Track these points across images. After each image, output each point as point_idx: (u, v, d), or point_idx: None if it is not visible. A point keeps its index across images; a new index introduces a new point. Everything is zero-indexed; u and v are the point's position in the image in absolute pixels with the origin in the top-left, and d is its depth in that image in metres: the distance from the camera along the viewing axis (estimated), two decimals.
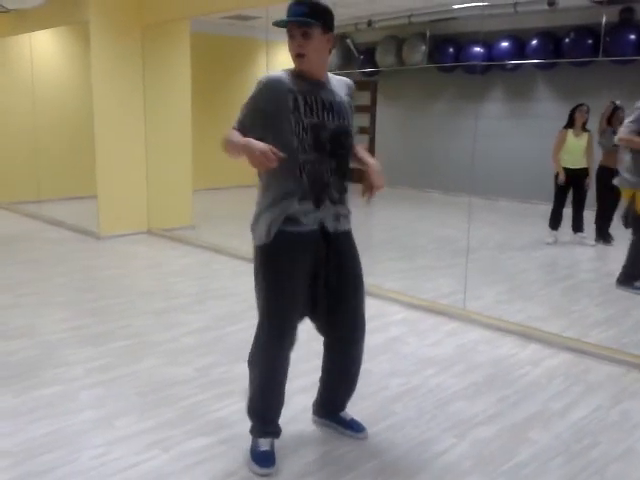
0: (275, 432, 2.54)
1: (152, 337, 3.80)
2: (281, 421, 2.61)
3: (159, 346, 3.65)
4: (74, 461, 2.45)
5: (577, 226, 6.55)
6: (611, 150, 6.39)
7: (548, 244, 6.55)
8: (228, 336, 3.85)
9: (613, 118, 6.45)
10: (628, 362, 3.49)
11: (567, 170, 6.44)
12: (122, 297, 4.60)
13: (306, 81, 2.33)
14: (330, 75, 2.44)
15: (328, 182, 2.35)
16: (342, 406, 2.75)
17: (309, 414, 2.85)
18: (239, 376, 3.24)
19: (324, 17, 2.27)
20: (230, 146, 2.33)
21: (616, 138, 4.56)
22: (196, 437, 2.65)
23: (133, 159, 6.80)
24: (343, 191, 2.42)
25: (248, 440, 2.58)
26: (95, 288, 4.84)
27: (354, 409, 2.90)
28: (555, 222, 6.64)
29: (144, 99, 6.78)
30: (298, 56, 2.29)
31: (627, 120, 4.48)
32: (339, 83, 2.45)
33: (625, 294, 4.81)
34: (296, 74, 2.34)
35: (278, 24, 2.28)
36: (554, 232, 6.63)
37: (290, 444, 2.62)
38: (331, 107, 2.34)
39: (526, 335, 3.90)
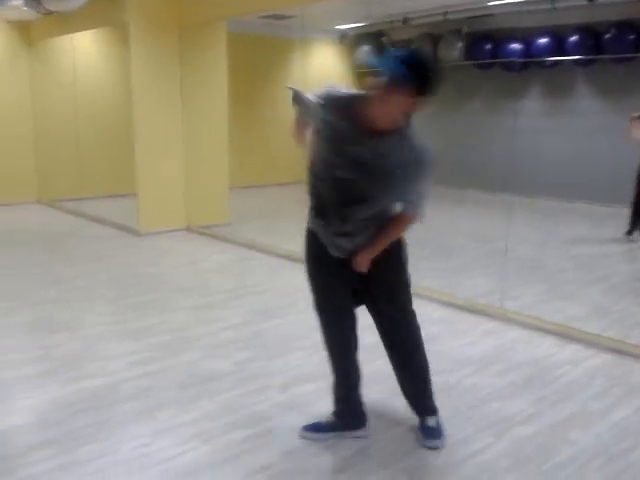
0: (335, 412, 2.68)
1: (191, 332, 3.86)
2: (315, 415, 2.71)
3: (198, 341, 3.72)
4: (116, 451, 2.52)
5: None
6: None
7: None
8: (265, 331, 3.89)
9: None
10: None
11: None
12: (161, 293, 4.69)
13: (368, 125, 2.22)
14: (405, 134, 2.26)
15: (326, 205, 2.39)
16: (416, 407, 2.72)
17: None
18: (276, 371, 3.29)
19: (420, 79, 2.13)
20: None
21: None
22: (234, 430, 2.69)
23: (171, 157, 6.91)
24: (353, 232, 2.38)
25: (285, 433, 2.63)
26: (135, 284, 4.94)
27: (389, 407, 2.92)
28: None
29: (182, 98, 6.89)
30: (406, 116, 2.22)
31: None
32: (408, 150, 2.25)
33: None
34: (363, 113, 2.21)
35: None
36: None
37: (326, 439, 2.64)
38: (373, 160, 2.24)
39: (565, 335, 3.84)
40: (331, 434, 2.65)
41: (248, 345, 3.65)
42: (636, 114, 6.34)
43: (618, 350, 3.61)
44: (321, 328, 2.62)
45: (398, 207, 2.41)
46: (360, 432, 2.66)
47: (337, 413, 2.68)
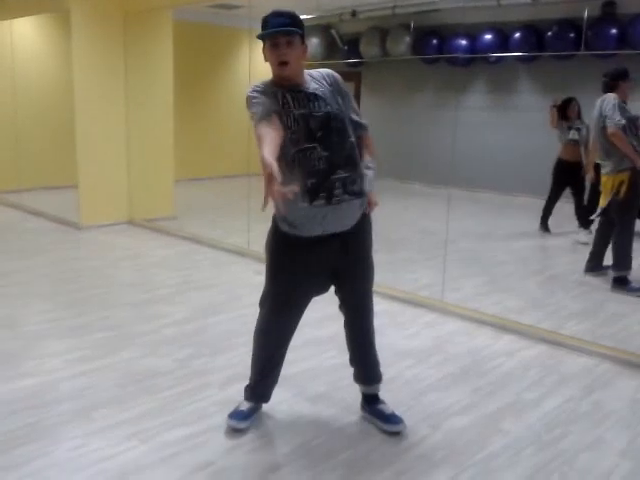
0: (255, 395, 2.76)
1: (132, 328, 3.81)
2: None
3: (139, 337, 3.67)
4: (51, 453, 2.47)
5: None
6: (568, 143, 6.55)
7: (584, 244, 6.21)
8: (209, 327, 3.87)
9: (569, 111, 6.57)
10: (601, 354, 3.57)
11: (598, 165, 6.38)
12: (102, 288, 4.60)
13: (287, 85, 2.41)
14: (307, 74, 2.50)
15: (320, 171, 2.36)
16: (371, 374, 2.80)
17: (284, 406, 2.90)
18: (219, 367, 3.28)
19: (302, 28, 2.40)
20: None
21: (609, 128, 4.55)
22: (175, 428, 2.68)
23: (114, 149, 6.76)
24: (348, 182, 2.42)
25: (224, 431, 2.65)
26: (76, 279, 4.83)
27: (329, 401, 2.95)
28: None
29: (125, 88, 6.74)
30: (282, 64, 2.35)
31: (613, 116, 4.52)
32: (318, 76, 2.51)
33: (597, 285, 4.90)
34: (276, 82, 2.42)
35: (264, 35, 2.34)
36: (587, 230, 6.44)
37: (266, 435, 2.66)
38: (315, 97, 2.41)
39: (502, 327, 3.96)
40: (252, 419, 2.71)
41: (190, 342, 3.63)
42: (554, 103, 6.61)
43: (552, 341, 3.75)
44: (266, 320, 2.65)
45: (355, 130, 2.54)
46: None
47: (256, 392, 2.76)
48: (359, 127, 2.55)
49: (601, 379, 3.29)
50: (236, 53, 10.73)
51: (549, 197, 6.80)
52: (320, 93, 2.43)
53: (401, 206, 8.30)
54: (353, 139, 2.48)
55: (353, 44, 10.39)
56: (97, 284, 4.70)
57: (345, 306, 2.71)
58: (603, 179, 4.78)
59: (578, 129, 6.60)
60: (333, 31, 10.80)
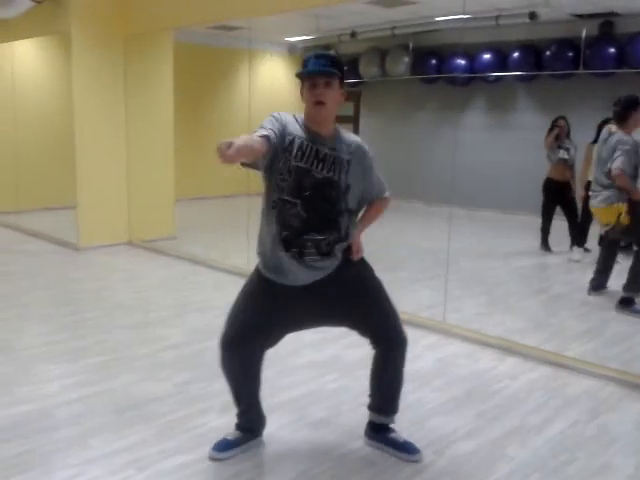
0: (242, 427, 2.68)
1: (130, 352, 3.76)
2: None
3: (137, 361, 3.61)
4: None
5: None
6: (558, 163, 6.60)
7: (577, 262, 6.37)
8: (208, 350, 3.81)
9: (559, 132, 6.61)
10: (606, 376, 3.51)
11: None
12: (100, 310, 4.55)
13: (311, 131, 2.38)
14: (343, 132, 2.47)
15: (294, 228, 2.36)
16: (378, 409, 2.72)
17: (285, 431, 2.84)
18: (219, 392, 3.20)
19: (342, 71, 2.37)
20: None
21: (614, 172, 4.58)
22: (173, 455, 2.62)
23: (114, 169, 6.75)
24: (323, 245, 2.40)
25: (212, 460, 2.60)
26: (73, 301, 4.79)
27: (331, 426, 2.90)
28: (584, 236, 6.53)
29: (126, 109, 6.75)
30: (318, 103, 2.33)
31: (619, 163, 4.54)
32: (350, 142, 2.45)
33: (599, 305, 4.86)
34: (305, 122, 2.40)
35: (304, 74, 2.32)
36: (580, 248, 6.52)
37: (267, 462, 2.60)
38: (324, 158, 2.37)
39: (505, 348, 3.91)
40: (238, 449, 2.64)
41: (189, 365, 3.57)
42: (550, 138, 6.68)
43: (555, 363, 3.69)
44: (228, 363, 2.55)
45: (370, 196, 2.55)
46: (259, 440, 2.72)
47: (242, 425, 2.69)
48: (372, 195, 2.54)
49: (607, 402, 3.23)
50: (236, 74, 10.77)
51: (542, 216, 6.84)
52: (330, 157, 2.38)
53: (401, 225, 8.26)
54: (349, 208, 2.44)
55: (352, 64, 10.44)
56: (94, 306, 4.65)
57: (371, 342, 2.62)
58: (604, 208, 4.75)
59: (567, 149, 6.63)
60: (332, 51, 10.86)
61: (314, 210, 2.37)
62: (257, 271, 2.52)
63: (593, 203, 4.88)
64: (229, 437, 2.67)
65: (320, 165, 2.36)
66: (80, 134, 6.42)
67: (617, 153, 4.60)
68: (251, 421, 2.70)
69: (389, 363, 2.62)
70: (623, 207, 4.63)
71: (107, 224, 6.75)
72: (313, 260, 2.39)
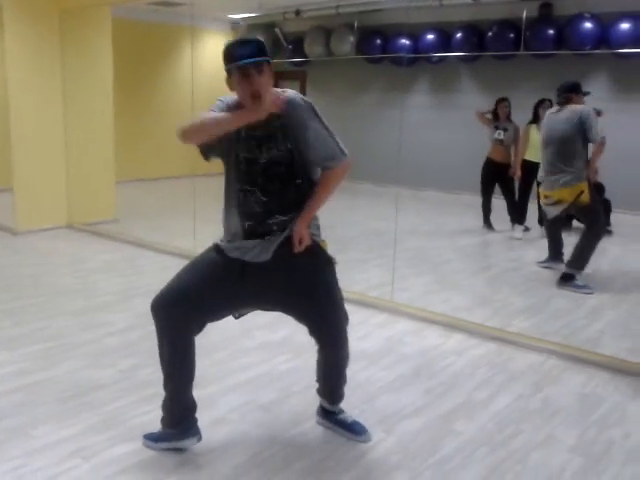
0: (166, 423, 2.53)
1: (72, 339, 3.64)
2: (209, 421, 2.64)
3: (80, 348, 3.51)
4: None
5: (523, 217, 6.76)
6: (495, 144, 6.84)
7: (518, 239, 6.56)
8: (153, 335, 3.70)
9: (499, 111, 6.76)
10: (548, 350, 3.62)
11: (529, 163, 6.53)
12: (40, 296, 4.39)
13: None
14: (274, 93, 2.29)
15: (257, 214, 2.33)
16: (323, 397, 2.72)
17: (237, 414, 2.82)
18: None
19: (267, 53, 2.25)
20: (209, 123, 2.26)
21: (600, 144, 4.73)
22: (119, 444, 2.56)
23: (51, 150, 6.50)
24: (287, 224, 2.35)
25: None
26: (11, 287, 4.60)
27: (282, 407, 2.89)
28: (524, 215, 6.72)
29: (63, 87, 6.48)
30: (256, 96, 2.20)
31: (597, 130, 4.65)
32: (285, 107, 2.28)
33: (542, 281, 5.00)
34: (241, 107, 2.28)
35: (234, 67, 2.19)
36: (521, 226, 6.70)
37: (219, 446, 2.57)
38: (261, 140, 2.30)
39: (451, 325, 3.98)
40: (164, 444, 2.52)
41: (134, 351, 3.49)
42: (480, 111, 6.87)
43: (500, 338, 3.79)
44: (164, 336, 2.44)
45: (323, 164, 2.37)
46: (192, 440, 2.52)
47: (169, 423, 2.52)
48: (317, 157, 2.34)
49: (549, 375, 3.34)
50: (178, 51, 10.50)
51: (482, 195, 6.99)
52: (273, 134, 2.28)
53: (349, 205, 8.28)
54: (301, 181, 2.34)
55: (297, 43, 10.33)
56: (35, 292, 4.49)
57: (310, 333, 2.55)
58: (560, 190, 4.79)
59: (505, 129, 6.76)
60: (277, 30, 10.71)
61: (271, 193, 2.32)
62: (214, 244, 2.46)
63: (554, 185, 4.83)
64: (155, 431, 2.56)
65: (259, 149, 2.30)
66: (15, 113, 6.14)
67: (590, 121, 4.63)
68: (173, 414, 2.51)
69: (328, 360, 2.62)
70: (584, 186, 4.71)
71: (45, 207, 6.51)
72: (274, 236, 2.35)
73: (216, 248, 2.44)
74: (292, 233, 2.34)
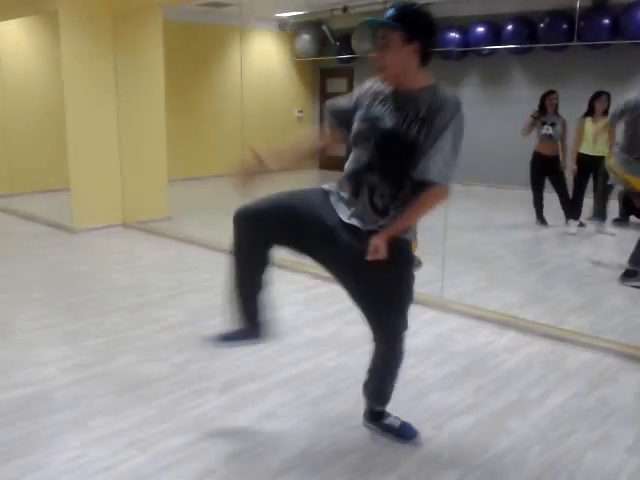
0: (243, 322, 2.48)
1: (127, 333, 3.74)
2: (258, 415, 2.67)
3: (134, 343, 3.60)
4: (46, 465, 2.41)
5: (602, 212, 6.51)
6: (542, 138, 6.68)
7: (573, 235, 6.41)
8: (205, 330, 3.77)
9: (547, 104, 6.60)
10: (603, 348, 3.52)
11: (584, 156, 6.37)
12: (96, 293, 4.53)
13: (394, 88, 2.24)
14: (438, 88, 2.20)
15: (364, 164, 2.25)
16: (372, 400, 2.66)
17: (286, 409, 2.84)
18: (218, 371, 3.22)
19: (413, 24, 2.12)
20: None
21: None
22: (174, 436, 2.62)
23: (106, 150, 6.68)
24: (384, 199, 2.23)
25: (227, 437, 2.59)
26: (69, 284, 4.76)
27: (330, 404, 2.90)
28: (579, 210, 6.54)
29: (116, 89, 6.66)
30: (379, 69, 2.18)
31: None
32: (435, 99, 2.16)
33: (596, 277, 4.87)
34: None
35: (362, 26, 2.18)
36: (576, 222, 6.54)
37: (268, 440, 2.60)
38: (399, 112, 2.19)
39: (503, 323, 3.91)
40: (239, 342, 2.54)
41: (187, 346, 3.56)
42: (535, 113, 6.60)
43: (553, 336, 3.70)
44: (236, 238, 2.42)
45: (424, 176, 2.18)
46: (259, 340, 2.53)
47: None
48: (424, 169, 2.17)
49: (605, 374, 3.25)
50: (227, 51, 10.64)
51: (532, 191, 6.84)
52: (406, 113, 2.17)
53: None
54: (411, 173, 2.19)
55: (345, 40, 10.33)
56: (91, 288, 4.63)
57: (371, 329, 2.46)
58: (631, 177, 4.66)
59: (553, 124, 6.59)
60: (324, 27, 10.74)
61: (383, 155, 2.22)
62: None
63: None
64: (227, 330, 2.52)
65: (391, 117, 2.19)
66: (71, 115, 6.34)
67: None
68: (244, 319, 2.47)
69: (378, 359, 2.54)
70: None
71: (101, 206, 6.70)
72: (362, 205, 2.24)
73: (322, 190, 2.36)
74: (372, 240, 2.18)
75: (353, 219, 2.27)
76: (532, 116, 6.69)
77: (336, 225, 2.27)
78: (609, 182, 5.07)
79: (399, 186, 2.23)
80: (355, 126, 2.31)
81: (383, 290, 2.33)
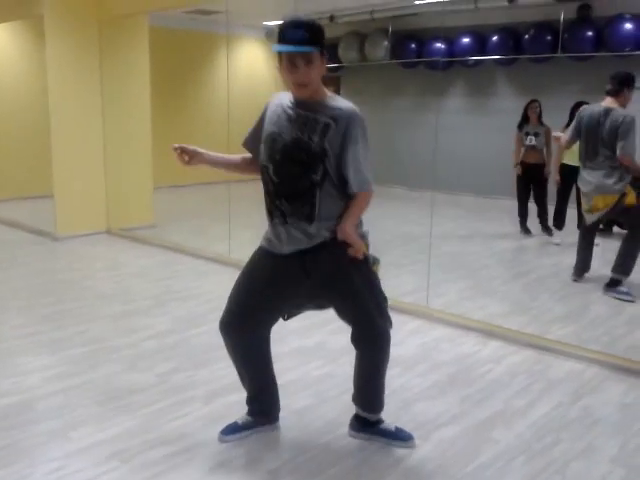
0: (252, 412, 2.69)
1: (111, 342, 3.71)
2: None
3: (118, 352, 3.57)
4: (29, 476, 2.37)
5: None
6: (527, 150, 6.76)
7: (557, 245, 6.44)
8: (190, 340, 3.78)
9: (529, 113, 6.71)
10: (588, 358, 3.54)
11: (568, 167, 6.39)
12: (80, 301, 4.49)
13: (294, 97, 2.32)
14: (336, 98, 2.32)
15: (270, 193, 2.36)
16: (361, 405, 2.67)
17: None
18: (203, 381, 3.20)
19: (322, 40, 2.22)
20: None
21: (623, 159, 4.48)
22: (157, 447, 2.59)
23: (91, 157, 6.64)
24: (296, 212, 2.30)
25: (209, 448, 2.57)
26: (52, 292, 4.71)
27: (316, 413, 2.89)
28: (562, 220, 6.56)
29: (102, 95, 6.63)
30: (301, 85, 2.22)
31: (629, 145, 4.47)
32: (337, 107, 2.27)
33: (579, 287, 4.90)
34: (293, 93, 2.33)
35: (281, 52, 2.18)
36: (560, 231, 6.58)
37: (251, 451, 2.58)
38: (295, 119, 2.28)
39: (488, 332, 3.93)
40: (247, 432, 2.66)
41: (171, 355, 3.53)
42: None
43: (538, 346, 3.72)
44: (228, 346, 2.56)
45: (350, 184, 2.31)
46: (275, 425, 2.73)
47: (253, 410, 2.69)
48: (349, 177, 2.29)
49: (589, 384, 3.26)
50: (214, 58, 10.63)
51: (518, 200, 6.90)
52: (307, 121, 2.26)
53: (383, 210, 8.24)
54: (329, 181, 2.27)
55: (331, 49, 10.36)
56: (74, 296, 4.58)
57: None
58: (603, 197, 4.64)
59: (536, 134, 6.65)
60: (308, 18, 10.75)
61: (285, 174, 2.30)
62: (259, 246, 2.50)
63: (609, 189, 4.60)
64: (239, 421, 2.68)
65: (289, 127, 2.28)
66: (56, 121, 6.30)
67: (625, 131, 4.43)
68: (262, 405, 2.69)
69: (364, 359, 2.57)
70: (628, 188, 4.57)
71: (85, 213, 6.65)
72: (294, 227, 2.32)
73: (259, 250, 2.48)
74: (338, 233, 2.33)
75: (290, 246, 2.35)
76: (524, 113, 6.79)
77: (288, 266, 2.37)
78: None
79: (312, 201, 2.29)
80: (262, 143, 2.38)
81: (342, 284, 2.41)
